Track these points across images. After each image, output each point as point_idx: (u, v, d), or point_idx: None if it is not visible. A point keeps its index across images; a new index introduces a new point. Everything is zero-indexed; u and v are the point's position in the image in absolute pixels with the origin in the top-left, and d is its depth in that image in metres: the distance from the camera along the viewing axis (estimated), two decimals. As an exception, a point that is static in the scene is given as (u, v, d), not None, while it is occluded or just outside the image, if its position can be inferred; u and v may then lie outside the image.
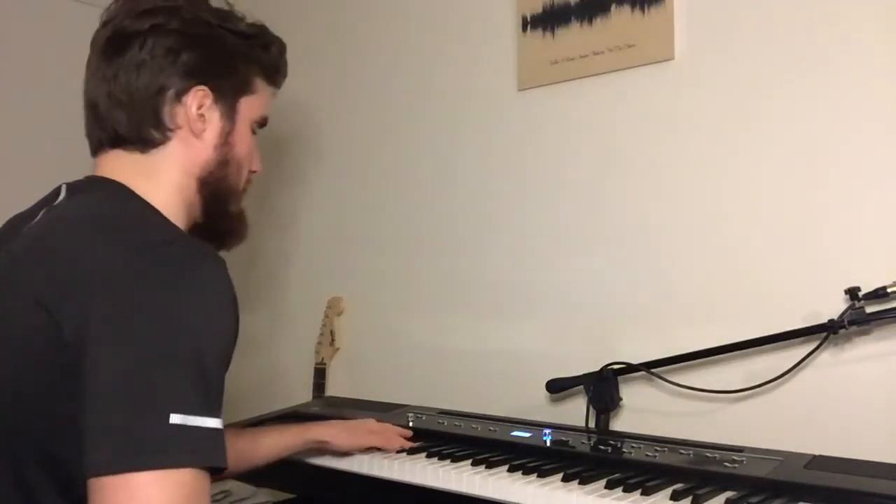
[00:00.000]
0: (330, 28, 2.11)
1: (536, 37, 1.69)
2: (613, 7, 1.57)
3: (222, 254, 0.86)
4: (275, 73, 1.06)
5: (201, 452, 0.72)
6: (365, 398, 1.79)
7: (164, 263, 0.78)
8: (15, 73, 2.03)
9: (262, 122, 1.06)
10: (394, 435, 1.34)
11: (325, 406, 1.72)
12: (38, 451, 0.79)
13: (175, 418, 0.71)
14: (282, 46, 1.07)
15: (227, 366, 0.80)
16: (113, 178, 0.93)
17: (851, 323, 1.24)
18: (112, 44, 0.93)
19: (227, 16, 1.00)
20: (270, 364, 2.16)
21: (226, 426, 0.77)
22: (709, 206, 1.46)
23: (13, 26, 2.04)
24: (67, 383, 0.74)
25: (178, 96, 0.94)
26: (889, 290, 1.22)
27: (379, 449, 1.32)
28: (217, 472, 0.76)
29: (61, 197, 0.92)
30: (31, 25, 2.07)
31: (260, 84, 1.03)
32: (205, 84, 0.95)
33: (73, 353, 0.73)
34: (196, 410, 0.73)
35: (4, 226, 0.96)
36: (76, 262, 0.77)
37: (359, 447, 1.31)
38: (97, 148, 0.96)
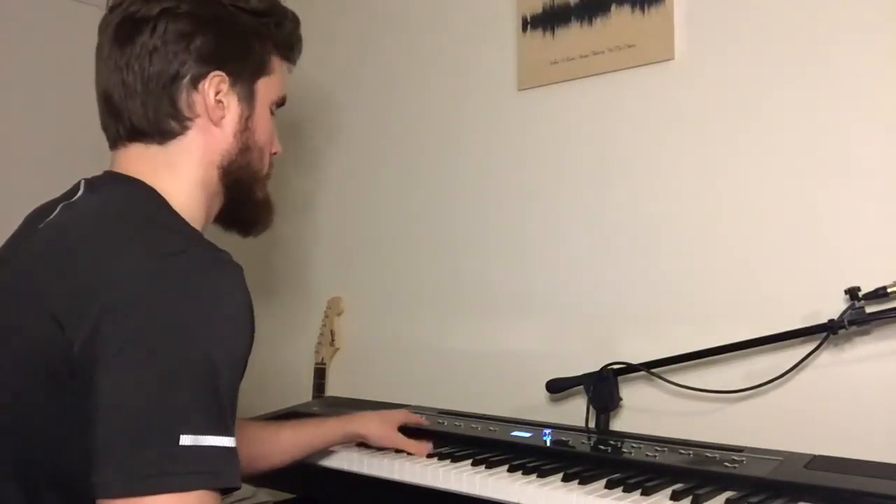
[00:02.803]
0: (328, 29, 2.11)
1: (536, 37, 1.69)
2: (613, 7, 1.57)
3: (226, 247, 0.85)
4: (290, 48, 1.03)
5: (212, 474, 0.71)
6: (365, 398, 1.79)
7: (178, 275, 0.75)
8: (15, 74, 2.03)
9: (281, 102, 1.03)
10: (421, 445, 1.31)
11: (325, 406, 1.72)
12: (49, 470, 0.78)
13: (186, 439, 0.69)
14: (295, 20, 1.03)
15: (241, 379, 0.78)
16: (132, 173, 0.90)
17: (851, 323, 1.24)
18: (122, 30, 0.90)
19: None
20: (270, 364, 2.16)
21: (258, 419, 0.74)
22: (709, 205, 1.46)
23: (13, 26, 2.04)
24: (77, 400, 0.72)
25: (195, 83, 0.91)
26: (889, 290, 1.22)
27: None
28: (229, 492, 0.74)
29: (80, 193, 0.90)
30: (32, 25, 2.07)
31: (276, 62, 1.00)
32: (221, 69, 0.92)
33: (83, 369, 0.72)
34: (207, 430, 0.71)
35: (25, 221, 0.93)
36: (89, 274, 0.76)
37: (392, 446, 1.31)
38: (114, 141, 0.94)
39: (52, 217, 0.87)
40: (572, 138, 1.65)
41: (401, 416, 1.38)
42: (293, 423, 1.35)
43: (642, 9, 1.53)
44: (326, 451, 1.36)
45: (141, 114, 0.90)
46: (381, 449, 1.33)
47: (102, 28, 0.93)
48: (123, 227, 0.82)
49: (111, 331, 0.71)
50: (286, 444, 1.27)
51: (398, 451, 1.31)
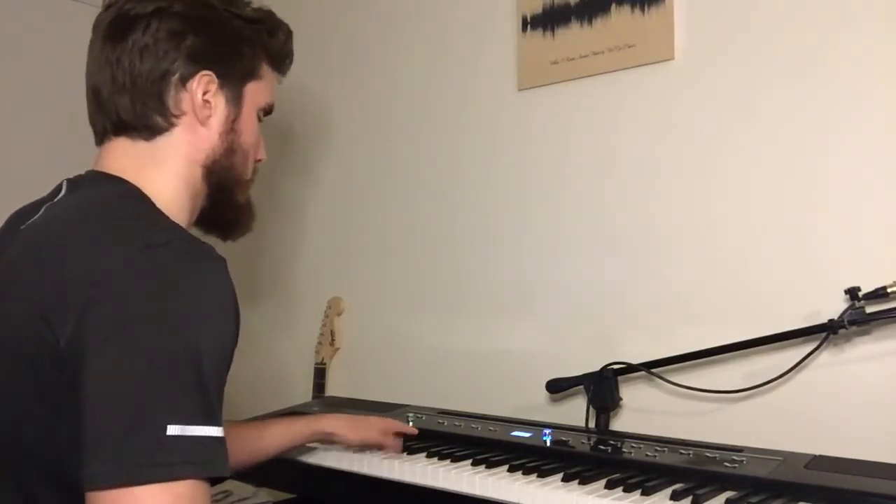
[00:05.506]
0: (328, 29, 2.11)
1: (536, 37, 1.69)
2: (613, 7, 1.57)
3: (226, 247, 0.85)
4: (281, 59, 1.04)
5: (200, 463, 0.71)
6: (365, 398, 1.79)
7: (161, 267, 0.76)
8: (15, 73, 2.03)
9: (268, 110, 1.03)
10: (398, 439, 1.33)
11: (325, 406, 1.72)
12: (43, 468, 0.78)
13: (173, 429, 0.70)
14: (288, 32, 1.05)
15: (228, 370, 0.78)
16: (115, 170, 0.91)
17: (851, 323, 1.24)
18: (115, 27, 0.91)
19: (233, 0, 0.98)
20: (270, 364, 2.16)
21: (231, 420, 0.75)
22: (708, 205, 1.46)
23: (13, 26, 2.04)
24: (65, 395, 0.72)
25: (183, 82, 0.92)
26: (889, 290, 1.22)
27: (381, 448, 1.32)
28: (218, 481, 0.74)
29: (62, 193, 0.91)
30: (31, 25, 2.07)
31: (266, 70, 1.01)
32: (210, 69, 0.93)
33: (70, 362, 0.72)
34: (195, 420, 0.71)
35: (7, 221, 0.94)
36: (73, 269, 0.76)
37: (363, 442, 1.31)
38: (101, 135, 0.95)
39: (35, 218, 0.88)
40: (572, 138, 1.65)
41: (378, 423, 1.35)
42: (262, 421, 1.35)
43: (642, 9, 1.53)
44: (326, 452, 1.36)
45: (128, 108, 0.91)
46: (360, 449, 1.32)
47: (96, 26, 0.94)
48: (106, 223, 0.82)
49: (95, 323, 0.72)
50: (254, 443, 1.25)
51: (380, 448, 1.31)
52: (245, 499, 1.73)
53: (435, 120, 1.89)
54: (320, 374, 1.96)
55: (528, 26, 1.70)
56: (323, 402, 1.83)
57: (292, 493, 1.54)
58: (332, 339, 1.99)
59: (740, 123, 1.43)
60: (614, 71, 1.58)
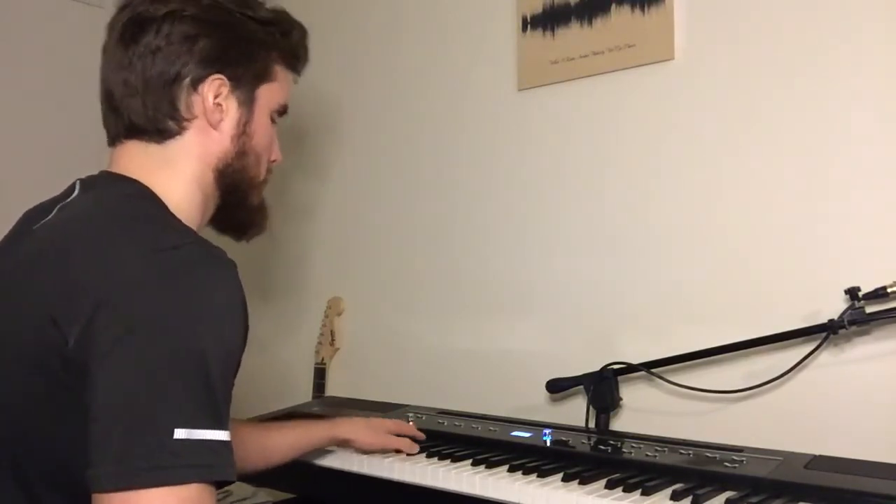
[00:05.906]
0: (328, 30, 2.11)
1: (536, 37, 1.69)
2: (613, 7, 1.57)
3: (225, 248, 0.85)
4: (295, 59, 1.04)
5: (207, 467, 0.71)
6: (365, 398, 1.79)
7: (172, 270, 0.76)
8: (15, 74, 2.03)
9: (283, 111, 1.03)
10: (410, 441, 1.32)
11: (325, 406, 1.72)
12: (48, 469, 0.78)
13: (179, 433, 0.70)
14: (303, 31, 1.04)
15: (235, 374, 0.78)
16: (128, 172, 0.91)
17: (851, 323, 1.24)
18: (128, 30, 0.92)
19: (247, 1, 0.98)
20: (270, 364, 2.16)
21: (246, 420, 0.75)
22: (709, 205, 1.46)
23: (13, 26, 2.04)
24: (72, 397, 0.73)
25: (195, 85, 0.92)
26: (889, 290, 1.22)
27: (398, 451, 1.30)
28: (225, 485, 0.75)
29: (75, 193, 0.91)
30: (32, 25, 2.07)
31: (280, 71, 1.01)
32: (222, 72, 0.93)
33: (77, 364, 0.72)
34: (201, 423, 0.71)
35: (20, 220, 0.94)
36: (83, 272, 0.76)
37: (380, 448, 1.30)
38: (114, 138, 0.95)
39: (48, 218, 0.88)
40: (572, 138, 1.65)
41: (391, 425, 1.36)
42: (279, 424, 1.35)
43: (642, 9, 1.53)
44: (326, 452, 1.36)
45: (140, 112, 0.91)
46: (369, 452, 1.32)
47: (111, 27, 0.94)
48: (117, 225, 0.82)
49: (104, 326, 0.72)
50: (270, 447, 1.25)
51: (397, 451, 1.31)
52: (245, 499, 1.74)
53: (435, 120, 1.89)
54: (320, 374, 1.96)
55: (528, 26, 1.70)
56: (323, 402, 1.83)
57: (292, 493, 1.54)
58: (332, 339, 1.99)
59: (740, 123, 1.43)
60: (614, 71, 1.58)
